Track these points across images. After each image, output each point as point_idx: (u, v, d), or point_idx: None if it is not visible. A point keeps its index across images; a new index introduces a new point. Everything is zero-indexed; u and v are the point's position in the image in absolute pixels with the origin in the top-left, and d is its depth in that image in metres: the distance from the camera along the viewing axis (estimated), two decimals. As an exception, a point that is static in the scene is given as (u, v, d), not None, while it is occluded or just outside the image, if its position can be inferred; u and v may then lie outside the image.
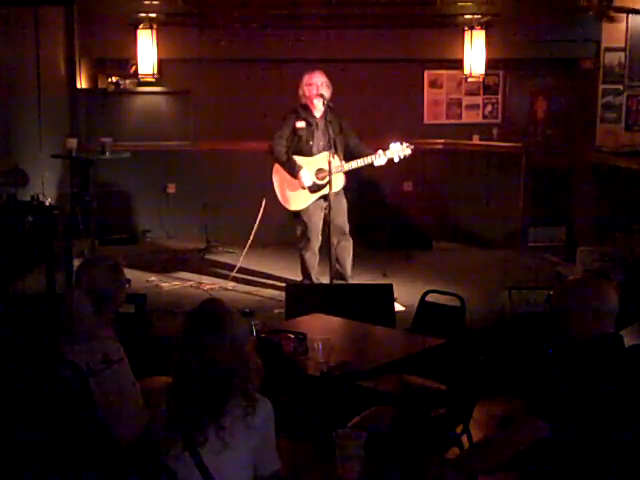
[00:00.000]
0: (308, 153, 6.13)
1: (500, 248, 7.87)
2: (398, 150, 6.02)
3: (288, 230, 6.69)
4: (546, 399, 2.53)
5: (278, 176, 6.23)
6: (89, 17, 8.16)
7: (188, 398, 2.37)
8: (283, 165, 6.16)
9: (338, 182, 6.00)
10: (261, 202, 6.51)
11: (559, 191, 8.49)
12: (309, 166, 6.10)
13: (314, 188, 6.12)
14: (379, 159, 6.01)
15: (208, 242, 7.76)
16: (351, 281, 6.21)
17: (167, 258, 7.51)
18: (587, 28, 8.30)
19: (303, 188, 6.10)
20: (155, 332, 5.04)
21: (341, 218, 6.15)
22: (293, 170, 6.09)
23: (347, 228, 6.23)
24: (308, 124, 6.12)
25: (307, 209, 6.16)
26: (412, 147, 6.10)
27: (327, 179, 5.93)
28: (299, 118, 6.14)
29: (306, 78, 6.11)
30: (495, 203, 8.11)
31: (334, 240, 5.97)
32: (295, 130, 6.14)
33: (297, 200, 6.17)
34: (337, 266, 6.11)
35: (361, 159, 6.03)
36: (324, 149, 6.06)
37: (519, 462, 2.57)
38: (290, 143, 6.15)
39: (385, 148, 6.03)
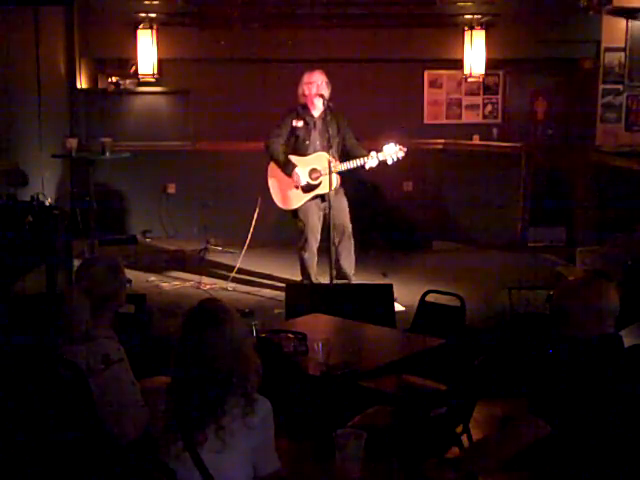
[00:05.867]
0: (304, 152, 6.12)
1: (500, 248, 7.87)
2: (391, 152, 6.00)
3: (286, 230, 6.69)
4: (546, 399, 2.53)
5: (272, 175, 6.22)
6: (89, 17, 8.17)
7: (188, 398, 2.37)
8: (277, 163, 6.15)
9: (333, 181, 5.98)
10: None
11: (559, 191, 8.49)
12: (303, 165, 6.09)
13: (307, 188, 6.11)
14: (371, 161, 6.00)
15: (208, 242, 7.76)
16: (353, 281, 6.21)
17: (167, 258, 7.52)
18: (587, 28, 8.30)
19: (297, 187, 6.10)
20: (155, 332, 5.04)
21: (342, 217, 6.13)
22: (287, 169, 6.08)
23: (349, 227, 6.19)
24: (306, 123, 6.12)
25: (303, 209, 6.15)
26: (405, 149, 6.08)
27: (320, 179, 5.94)
28: (297, 117, 6.14)
29: (306, 77, 6.11)
30: (495, 203, 8.10)
31: (335, 239, 5.96)
32: (293, 129, 6.14)
33: (291, 199, 6.16)
34: (339, 266, 6.10)
35: (353, 161, 6.02)
36: (321, 149, 6.06)
37: (519, 462, 2.57)
38: (287, 142, 6.15)
39: (379, 150, 6.02)
